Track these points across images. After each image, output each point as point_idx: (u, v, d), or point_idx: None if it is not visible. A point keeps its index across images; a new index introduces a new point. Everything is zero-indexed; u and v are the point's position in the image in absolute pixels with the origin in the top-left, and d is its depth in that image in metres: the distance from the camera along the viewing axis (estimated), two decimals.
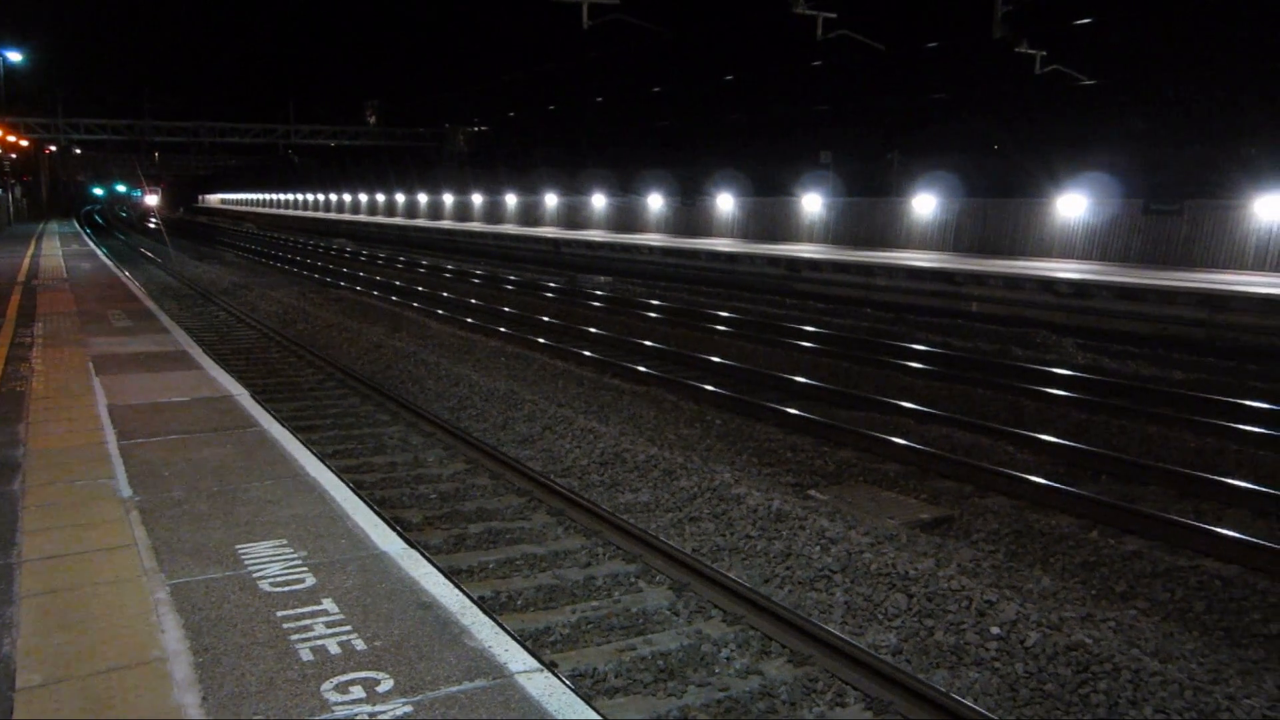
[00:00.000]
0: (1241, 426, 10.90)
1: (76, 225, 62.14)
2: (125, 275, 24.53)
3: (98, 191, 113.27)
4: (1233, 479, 9.11)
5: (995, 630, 5.96)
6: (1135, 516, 8.15)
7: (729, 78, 46.61)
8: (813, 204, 31.84)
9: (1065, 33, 26.94)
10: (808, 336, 17.99)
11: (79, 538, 5.27)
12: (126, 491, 6.10)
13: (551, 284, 28.22)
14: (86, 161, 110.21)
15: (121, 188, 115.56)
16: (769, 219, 34.10)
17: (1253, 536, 7.64)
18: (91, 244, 40.18)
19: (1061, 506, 8.58)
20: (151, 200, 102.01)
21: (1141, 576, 7.14)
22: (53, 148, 77.73)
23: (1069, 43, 26.99)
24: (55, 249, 34.39)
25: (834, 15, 22.15)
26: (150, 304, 17.29)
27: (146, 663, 3.86)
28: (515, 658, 3.96)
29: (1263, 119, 29.33)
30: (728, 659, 5.77)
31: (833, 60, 33.74)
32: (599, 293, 26.09)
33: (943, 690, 5.23)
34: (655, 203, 39.63)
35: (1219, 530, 7.75)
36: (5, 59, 46.24)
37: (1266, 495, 8.65)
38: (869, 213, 30.42)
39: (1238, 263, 20.93)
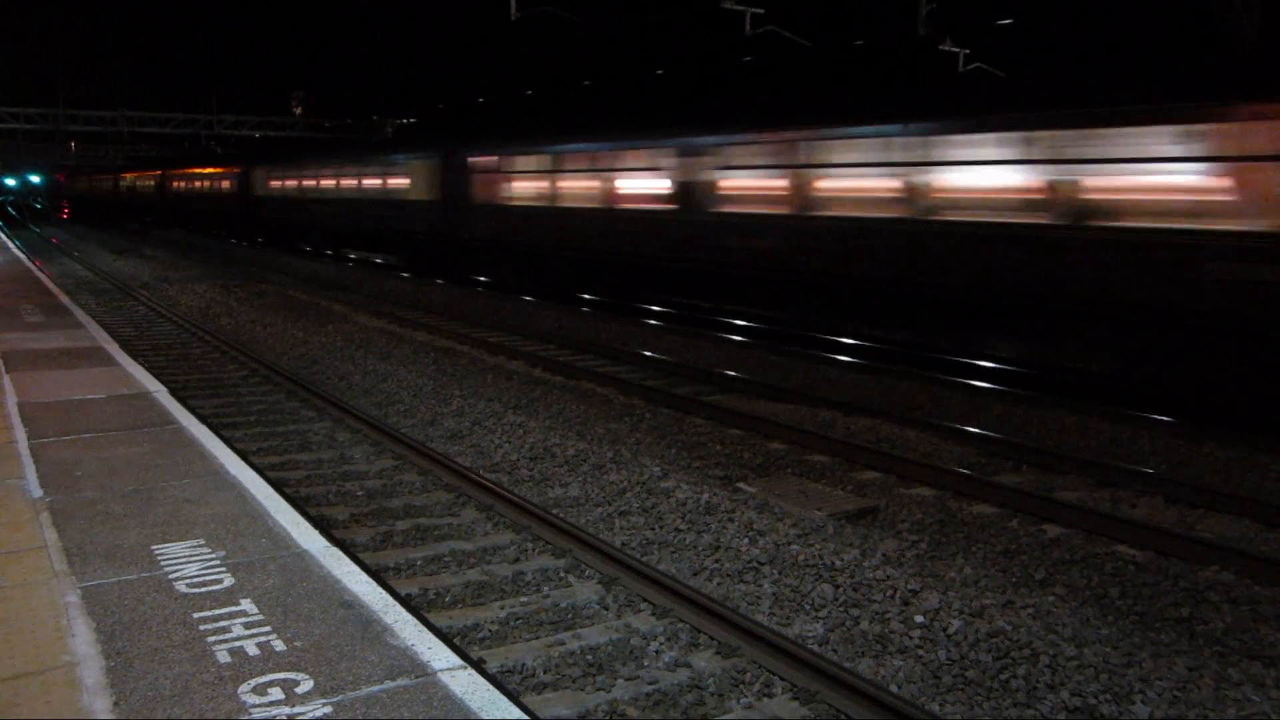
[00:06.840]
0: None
1: None
2: (39, 269, 23.79)
3: (9, 182, 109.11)
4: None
5: (919, 619, 6.06)
6: (1053, 505, 8.36)
7: (659, 72, 46.58)
8: None
9: (987, 32, 27.46)
10: (737, 330, 18.14)
11: None
12: (37, 492, 5.92)
13: (482, 278, 27.96)
14: None
15: (35, 178, 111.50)
16: None
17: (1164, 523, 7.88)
18: (3, 236, 38.88)
19: (983, 496, 8.75)
20: None
21: (1060, 563, 7.31)
22: None
23: (991, 41, 27.53)
24: None
25: (761, 11, 22.26)
26: (65, 299, 16.79)
27: (55, 668, 3.75)
28: (439, 655, 3.92)
29: None
30: (656, 652, 5.78)
31: (762, 56, 33.96)
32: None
33: (867, 678, 5.30)
34: None
35: (1133, 517, 7.98)
36: None
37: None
38: None
39: None
